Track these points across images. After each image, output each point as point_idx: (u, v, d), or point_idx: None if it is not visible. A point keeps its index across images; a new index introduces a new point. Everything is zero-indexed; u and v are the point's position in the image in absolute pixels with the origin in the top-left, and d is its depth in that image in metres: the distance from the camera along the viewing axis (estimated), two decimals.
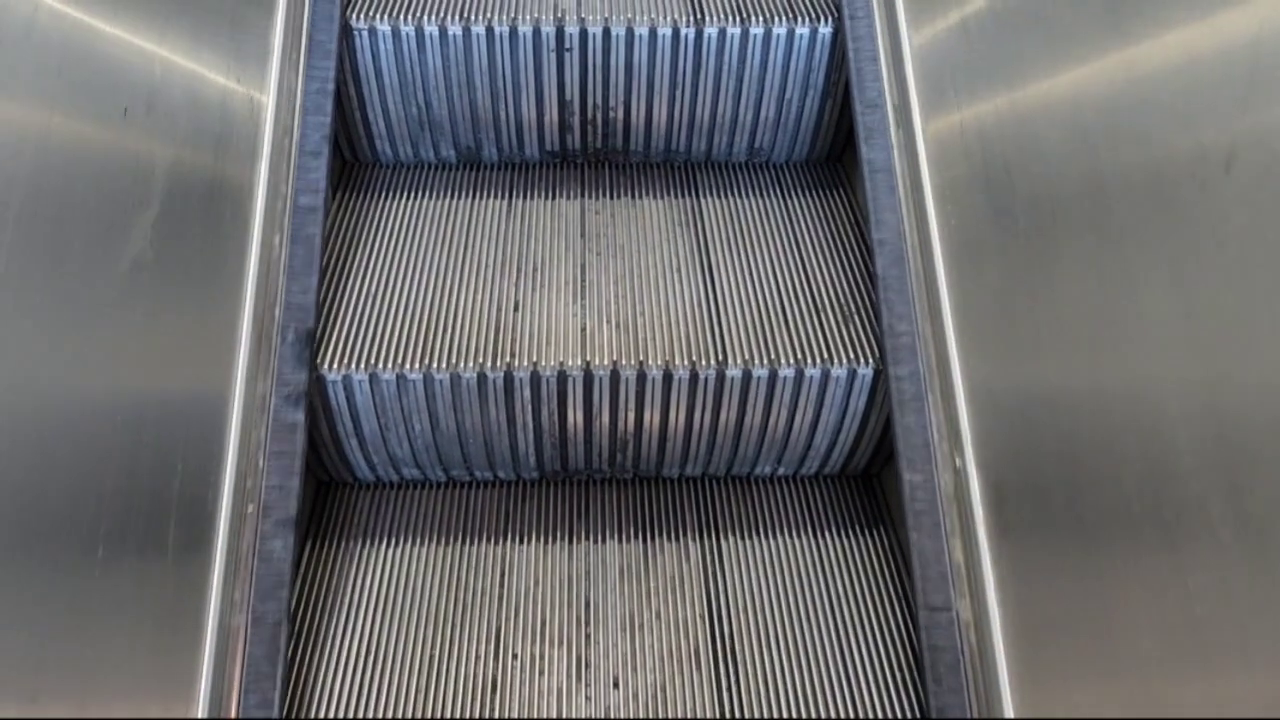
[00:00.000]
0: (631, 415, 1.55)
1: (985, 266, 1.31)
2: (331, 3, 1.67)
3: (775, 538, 1.58)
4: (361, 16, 1.68)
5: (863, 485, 1.67)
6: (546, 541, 1.57)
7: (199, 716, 1.17)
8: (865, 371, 1.51)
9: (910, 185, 1.57)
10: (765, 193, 1.81)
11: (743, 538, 1.58)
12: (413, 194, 1.78)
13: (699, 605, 1.50)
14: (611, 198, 1.79)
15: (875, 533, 1.59)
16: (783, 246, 1.70)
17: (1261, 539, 0.78)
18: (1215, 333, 0.84)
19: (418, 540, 1.56)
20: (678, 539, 1.58)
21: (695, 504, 1.64)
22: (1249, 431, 0.79)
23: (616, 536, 1.58)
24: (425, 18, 1.68)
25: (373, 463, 1.61)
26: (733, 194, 1.80)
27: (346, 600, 1.48)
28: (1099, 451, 1.03)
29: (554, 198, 1.78)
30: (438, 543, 1.56)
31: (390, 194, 1.78)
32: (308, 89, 1.63)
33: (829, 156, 1.87)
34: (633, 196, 1.80)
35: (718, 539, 1.58)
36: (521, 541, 1.56)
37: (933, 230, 1.50)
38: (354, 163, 1.85)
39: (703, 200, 1.78)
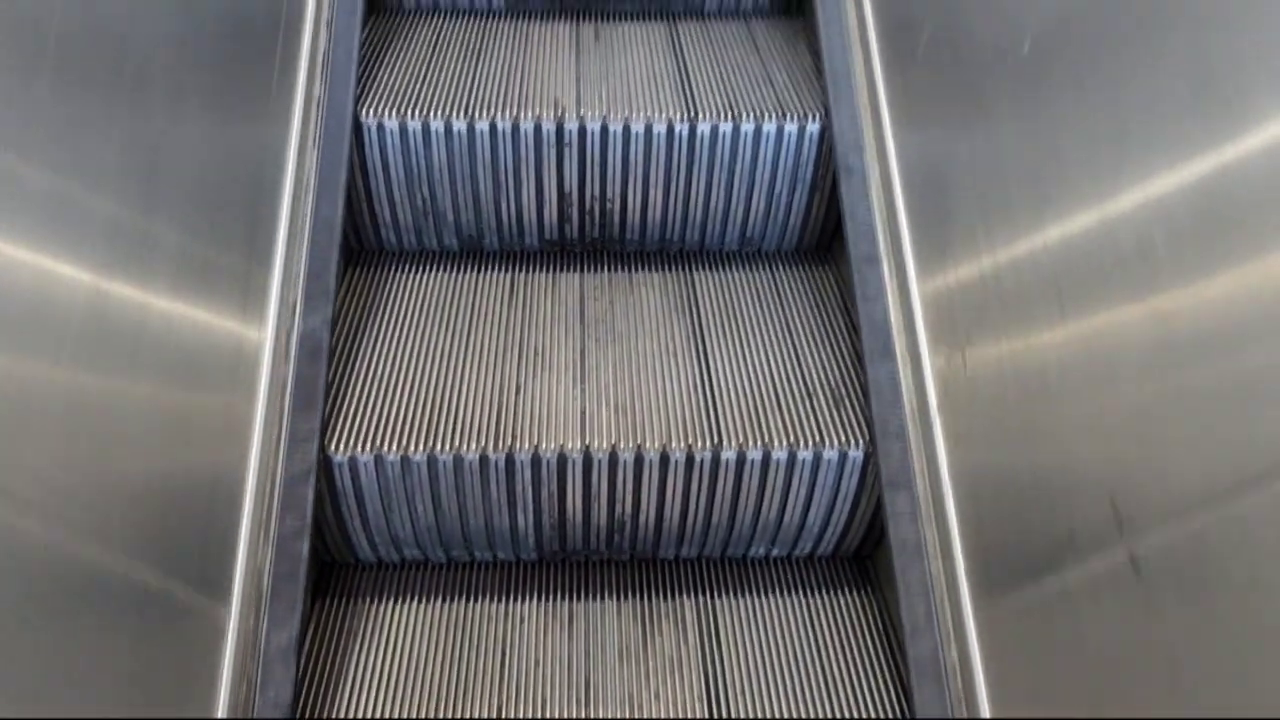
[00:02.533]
0: (629, 497, 1.58)
1: (970, 355, 1.37)
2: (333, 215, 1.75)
3: (772, 619, 1.61)
4: (370, 113, 1.76)
5: (856, 567, 1.70)
6: (547, 622, 1.59)
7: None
8: (856, 454, 1.55)
9: (897, 279, 1.64)
10: (757, 280, 1.87)
11: (740, 619, 1.61)
12: (417, 280, 1.84)
13: (697, 686, 1.52)
14: (610, 285, 1.86)
15: (869, 615, 1.62)
16: (775, 332, 1.76)
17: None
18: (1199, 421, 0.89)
19: (420, 621, 1.58)
20: (676, 620, 1.60)
21: (692, 585, 1.66)
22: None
23: (616, 617, 1.60)
24: (431, 114, 1.76)
25: (375, 543, 1.64)
26: (726, 282, 1.87)
27: (349, 681, 1.49)
28: (1082, 524, 1.07)
29: (554, 285, 1.85)
30: (440, 624, 1.58)
31: (396, 280, 1.84)
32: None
33: (818, 245, 1.94)
34: (630, 284, 1.86)
35: (715, 620, 1.61)
36: (522, 622, 1.58)
37: (918, 322, 1.56)
38: (359, 249, 1.92)
39: (697, 287, 1.85)
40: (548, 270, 1.88)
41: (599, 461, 1.55)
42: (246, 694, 1.34)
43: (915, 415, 1.53)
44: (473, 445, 1.53)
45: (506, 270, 1.88)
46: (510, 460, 1.54)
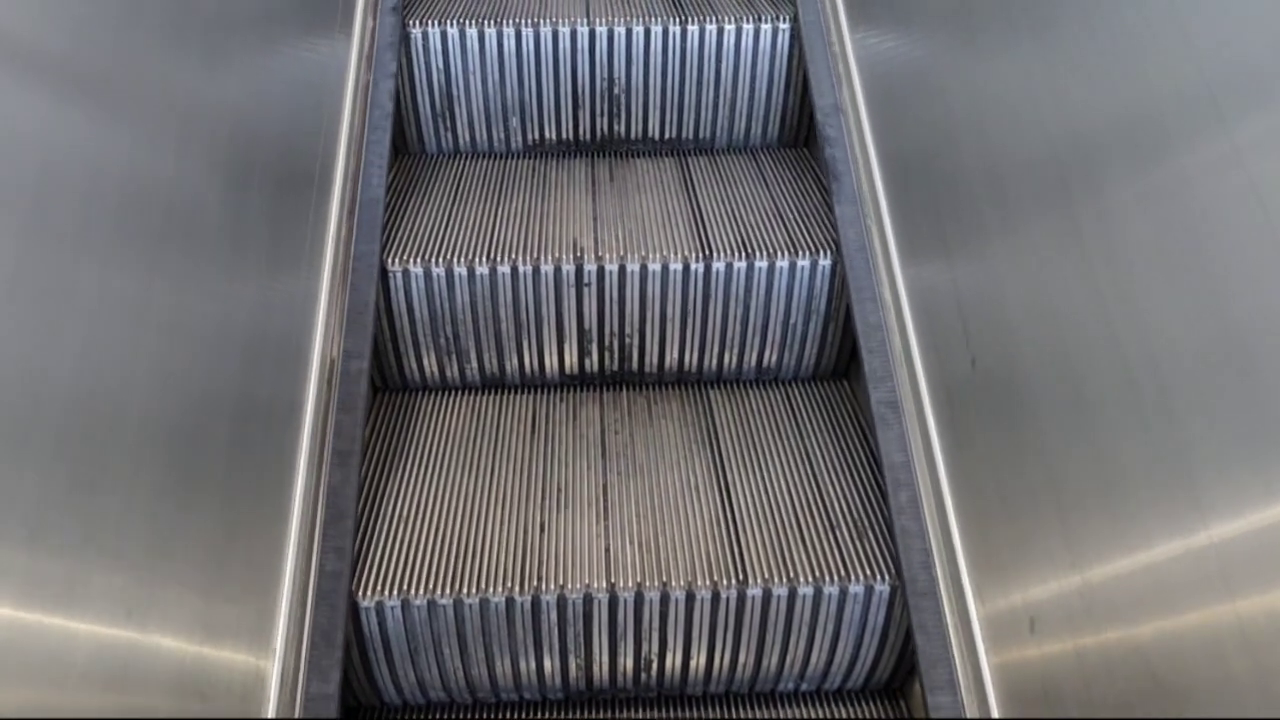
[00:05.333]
0: (655, 636, 1.58)
1: (988, 466, 1.39)
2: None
3: None
4: (396, 260, 1.83)
5: (887, 699, 1.68)
6: None
7: None
8: (882, 588, 1.55)
9: (914, 405, 1.66)
10: (776, 409, 1.90)
11: None
12: (441, 417, 1.88)
13: None
14: (630, 418, 1.89)
15: None
16: (795, 462, 1.77)
17: None
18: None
19: None
20: None
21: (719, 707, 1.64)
22: None
23: None
24: (455, 260, 1.83)
25: (400, 688, 1.63)
26: (745, 412, 1.89)
27: None
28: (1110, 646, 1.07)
29: (575, 419, 1.88)
30: None
31: (420, 419, 1.88)
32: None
33: (834, 373, 1.98)
34: (650, 416, 1.89)
35: None
36: None
37: (933, 436, 1.58)
38: (383, 387, 1.96)
39: (716, 418, 1.88)
40: (568, 405, 1.92)
41: (625, 601, 1.55)
42: None
43: (940, 548, 1.54)
44: (499, 588, 1.54)
45: (528, 405, 1.92)
46: (536, 602, 1.54)
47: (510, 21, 2.12)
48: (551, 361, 1.93)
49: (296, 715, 1.40)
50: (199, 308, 1.19)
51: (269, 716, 1.32)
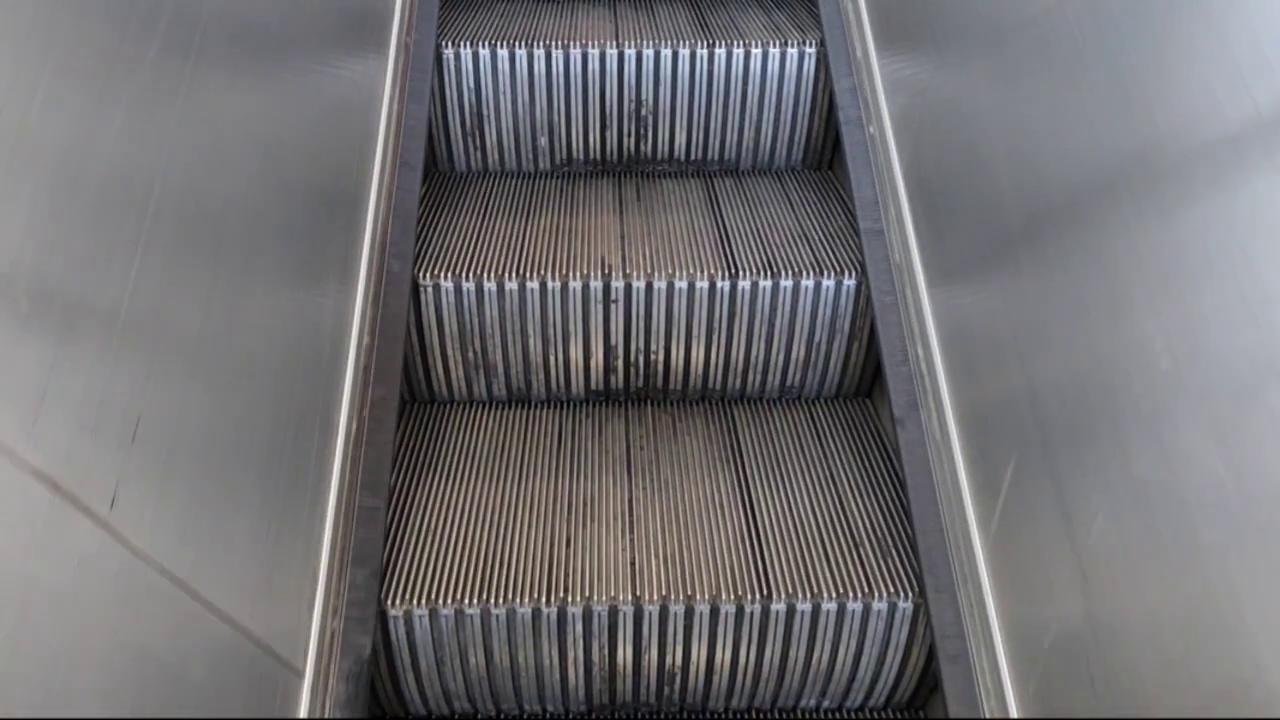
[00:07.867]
0: (680, 650, 1.59)
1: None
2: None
3: None
4: (427, 275, 1.86)
5: (908, 717, 1.69)
6: None
7: None
8: (905, 605, 1.56)
9: (939, 424, 1.68)
10: (799, 427, 1.92)
11: None
12: (469, 432, 1.90)
13: None
14: (655, 434, 1.91)
15: None
16: (819, 480, 1.79)
17: None
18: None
19: None
20: None
21: None
22: None
23: None
24: (485, 275, 1.86)
25: (426, 696, 1.65)
26: (769, 430, 1.91)
27: None
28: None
29: (601, 435, 1.90)
30: None
31: (448, 432, 1.90)
32: None
33: (857, 392, 1.99)
34: (674, 433, 1.91)
35: None
36: None
37: (958, 460, 1.59)
38: (411, 400, 1.99)
39: (741, 436, 1.90)
40: (594, 421, 1.94)
41: (650, 614, 1.57)
42: None
43: (964, 565, 1.55)
44: (526, 599, 1.56)
45: (554, 420, 1.94)
46: (562, 614, 1.56)
47: (540, 43, 2.16)
48: (578, 377, 1.95)
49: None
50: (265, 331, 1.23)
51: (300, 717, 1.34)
